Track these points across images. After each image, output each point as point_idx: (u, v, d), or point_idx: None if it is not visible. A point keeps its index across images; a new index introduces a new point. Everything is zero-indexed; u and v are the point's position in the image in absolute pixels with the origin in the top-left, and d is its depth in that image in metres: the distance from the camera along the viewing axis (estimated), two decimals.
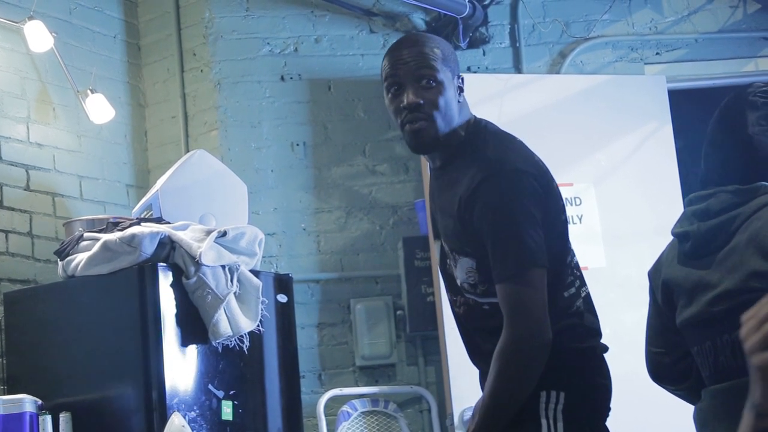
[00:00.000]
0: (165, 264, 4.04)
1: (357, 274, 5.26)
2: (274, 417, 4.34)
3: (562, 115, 5.19)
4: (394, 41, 2.61)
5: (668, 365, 2.58)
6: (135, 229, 4.06)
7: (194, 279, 4.01)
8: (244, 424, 4.15)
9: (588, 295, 2.56)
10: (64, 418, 3.98)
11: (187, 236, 4.08)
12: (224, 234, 4.14)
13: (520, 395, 2.39)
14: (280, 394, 4.39)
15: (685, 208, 2.49)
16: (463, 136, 2.53)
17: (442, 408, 5.04)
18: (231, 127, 5.27)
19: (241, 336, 4.13)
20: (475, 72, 5.34)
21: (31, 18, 4.64)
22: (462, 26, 5.33)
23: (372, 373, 5.19)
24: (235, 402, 4.13)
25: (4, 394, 4.17)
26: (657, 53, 5.57)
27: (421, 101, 2.48)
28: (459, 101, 2.54)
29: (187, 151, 5.12)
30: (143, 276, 4.01)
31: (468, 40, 5.41)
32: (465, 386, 4.62)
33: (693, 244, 2.40)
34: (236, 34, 5.33)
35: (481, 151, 2.49)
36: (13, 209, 4.58)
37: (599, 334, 2.55)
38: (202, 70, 5.32)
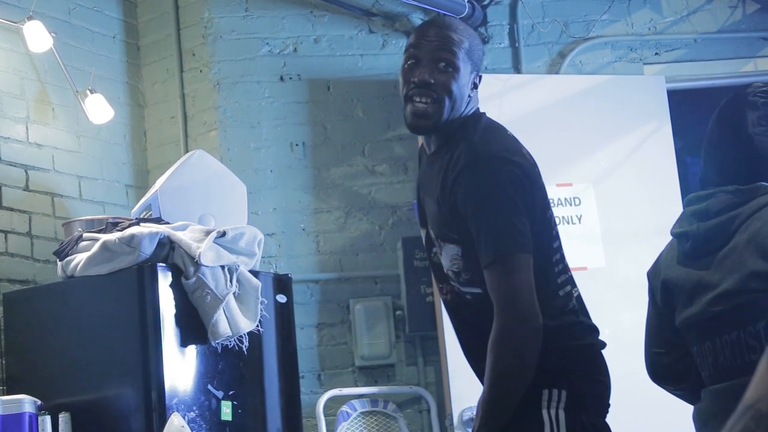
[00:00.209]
0: (164, 264, 4.03)
1: (356, 274, 5.25)
2: (274, 417, 4.34)
3: (562, 116, 5.19)
4: (429, 18, 2.62)
5: (668, 365, 2.58)
6: (134, 230, 4.06)
7: (193, 279, 4.01)
8: (243, 425, 4.15)
9: (579, 296, 2.56)
10: (63, 418, 3.98)
11: (187, 236, 4.08)
12: (223, 234, 4.14)
13: (519, 382, 2.38)
14: (279, 394, 4.39)
15: (684, 208, 2.49)
16: (459, 125, 2.54)
17: (442, 408, 5.04)
18: (230, 128, 5.26)
19: (241, 336, 4.13)
20: None
21: (30, 18, 4.64)
22: None
23: (371, 373, 5.19)
24: (235, 402, 4.13)
25: (4, 395, 4.16)
26: (656, 53, 5.57)
27: (432, 81, 2.49)
28: (470, 96, 2.55)
29: (187, 151, 5.12)
30: (142, 276, 4.01)
31: None
32: (464, 386, 4.63)
33: (693, 244, 2.41)
34: (235, 35, 5.33)
35: (468, 138, 2.50)
36: (12, 209, 4.58)
37: (597, 331, 2.55)
38: (201, 71, 5.32)
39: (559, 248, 2.55)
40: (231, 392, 4.12)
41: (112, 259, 4.04)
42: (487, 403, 2.41)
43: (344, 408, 4.96)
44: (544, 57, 5.49)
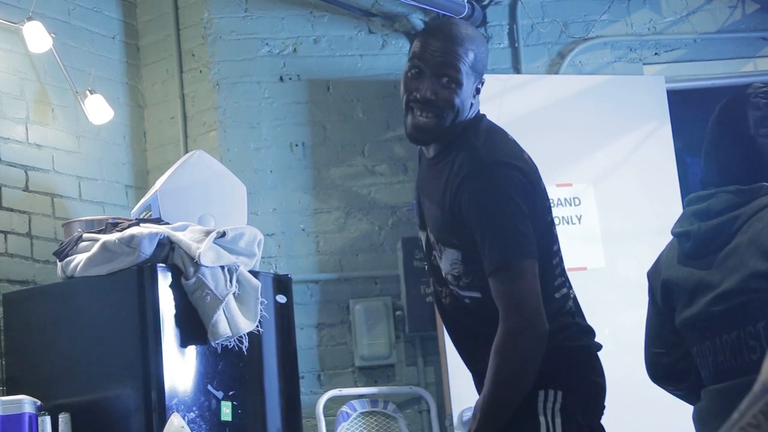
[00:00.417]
0: (164, 265, 4.03)
1: (356, 274, 5.25)
2: (274, 417, 4.34)
3: (561, 116, 5.19)
4: (437, 22, 2.58)
5: (668, 365, 2.58)
6: (134, 230, 4.06)
7: (193, 280, 4.01)
8: (243, 425, 4.15)
9: (575, 299, 2.57)
10: (63, 418, 3.98)
11: (186, 237, 4.08)
12: (223, 235, 4.14)
13: (521, 388, 2.39)
14: (279, 394, 4.39)
15: (684, 208, 2.49)
16: (461, 130, 2.53)
17: (442, 408, 5.04)
18: (230, 128, 5.26)
19: (241, 336, 4.13)
20: None
21: (30, 19, 4.64)
22: None
23: (371, 373, 5.19)
24: (235, 402, 4.12)
25: (3, 395, 4.16)
26: (656, 53, 5.57)
27: (434, 98, 2.48)
28: (472, 103, 2.54)
29: (186, 151, 5.12)
30: (142, 277, 4.01)
31: None
32: (464, 387, 4.62)
33: (693, 244, 2.40)
34: (235, 35, 5.33)
35: (471, 144, 2.50)
36: (12, 210, 4.58)
37: (593, 333, 2.56)
38: (201, 71, 5.32)
39: (559, 251, 2.55)
40: (231, 392, 4.12)
41: (112, 259, 4.04)
42: (488, 405, 2.41)
43: (344, 408, 4.96)
44: (544, 57, 5.49)
